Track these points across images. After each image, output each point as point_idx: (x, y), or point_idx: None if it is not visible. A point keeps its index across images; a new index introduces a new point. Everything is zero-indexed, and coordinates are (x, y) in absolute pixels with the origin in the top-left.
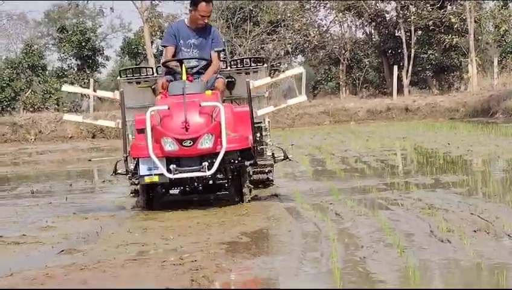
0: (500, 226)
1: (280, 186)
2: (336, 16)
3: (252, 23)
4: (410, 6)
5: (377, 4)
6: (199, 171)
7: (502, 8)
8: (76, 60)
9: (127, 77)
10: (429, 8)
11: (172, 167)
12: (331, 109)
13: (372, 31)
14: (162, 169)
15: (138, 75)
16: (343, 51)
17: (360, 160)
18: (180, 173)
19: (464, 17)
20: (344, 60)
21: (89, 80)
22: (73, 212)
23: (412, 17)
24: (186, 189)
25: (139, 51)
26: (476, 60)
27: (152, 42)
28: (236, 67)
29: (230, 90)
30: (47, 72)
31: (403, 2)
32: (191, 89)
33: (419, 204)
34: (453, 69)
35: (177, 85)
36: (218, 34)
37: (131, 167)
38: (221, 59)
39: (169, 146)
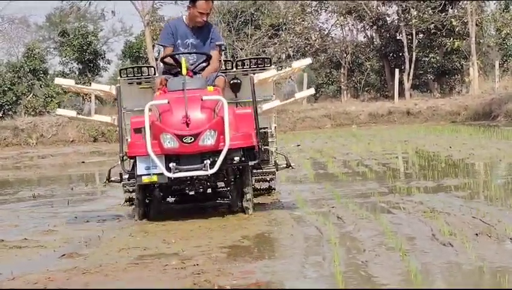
0: (502, 230)
1: (281, 190)
2: (337, 20)
3: (253, 27)
4: (412, 9)
5: (378, 7)
6: (200, 169)
7: (503, 11)
8: (77, 64)
9: (127, 76)
10: (430, 11)
11: (172, 165)
12: (332, 112)
13: (374, 35)
14: (161, 167)
15: (139, 75)
16: (345, 55)
17: (361, 163)
18: (180, 171)
19: (465, 21)
20: (345, 64)
21: (90, 83)
22: (75, 216)
23: (414, 21)
24: (183, 195)
25: (141, 55)
26: (477, 63)
27: (153, 46)
28: (243, 68)
29: (236, 93)
30: (48, 76)
31: (404, 5)
32: (191, 84)
33: (421, 207)
34: (454, 72)
35: (176, 80)
36: (218, 33)
37: (128, 168)
38: (222, 58)
39: (169, 143)
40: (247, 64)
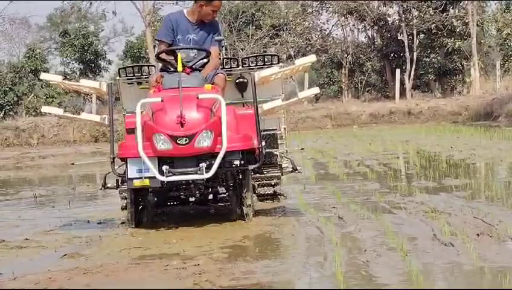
0: (504, 230)
1: (282, 190)
2: (338, 20)
3: (254, 27)
4: (413, 9)
5: (379, 8)
6: (196, 173)
7: (504, 11)
8: (78, 64)
9: (126, 76)
10: (431, 11)
11: (165, 168)
12: (333, 112)
13: (375, 35)
14: (153, 170)
15: (139, 74)
16: (346, 55)
17: (362, 164)
18: (174, 175)
19: (467, 21)
20: (346, 64)
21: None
22: (76, 216)
23: (415, 21)
24: (178, 199)
25: (142, 55)
26: (478, 63)
27: (154, 46)
28: (248, 66)
29: (242, 92)
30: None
31: (405, 6)
32: (188, 82)
33: (422, 208)
34: (455, 72)
35: (171, 78)
36: (220, 28)
37: (119, 170)
38: (222, 55)
39: (162, 144)
40: (253, 62)
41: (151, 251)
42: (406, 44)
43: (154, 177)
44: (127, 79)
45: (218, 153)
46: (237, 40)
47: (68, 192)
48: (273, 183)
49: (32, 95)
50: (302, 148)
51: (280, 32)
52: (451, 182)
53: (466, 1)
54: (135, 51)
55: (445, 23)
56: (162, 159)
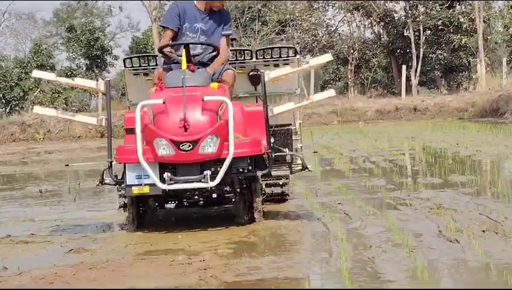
0: (509, 227)
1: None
2: (345, 16)
3: (260, 23)
4: (419, 6)
5: (386, 4)
6: (199, 181)
7: (511, 7)
8: (85, 60)
9: (132, 67)
10: (438, 7)
11: (166, 175)
12: (339, 108)
13: (381, 31)
14: (154, 178)
15: (146, 65)
16: (352, 51)
17: (368, 160)
18: (176, 183)
19: (473, 17)
20: (352, 60)
21: (97, 79)
22: (82, 212)
23: (421, 17)
24: (183, 202)
25: (148, 51)
26: (484, 60)
27: (160, 34)
28: (263, 58)
29: (255, 86)
30: (56, 72)
31: (411, 2)
32: (192, 81)
33: (427, 204)
34: (461, 69)
35: (175, 75)
36: (230, 20)
37: (117, 175)
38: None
39: (164, 149)
40: (269, 54)
41: (157, 246)
42: (412, 40)
43: (154, 185)
44: (133, 70)
45: (224, 159)
46: (243, 36)
47: (74, 187)
48: (281, 183)
49: (39, 90)
50: (314, 152)
51: (286, 28)
52: (457, 179)
53: None
54: (141, 46)
55: (452, 20)
56: (164, 165)
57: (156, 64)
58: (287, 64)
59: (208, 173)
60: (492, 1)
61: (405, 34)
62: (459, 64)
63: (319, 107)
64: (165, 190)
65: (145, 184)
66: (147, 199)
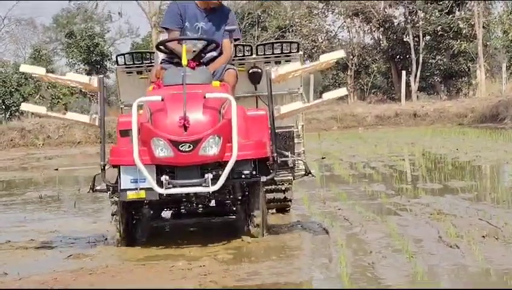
0: (509, 232)
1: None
2: (344, 22)
3: (260, 29)
4: (419, 11)
5: (385, 9)
6: (200, 185)
7: (510, 13)
8: (84, 65)
9: (125, 64)
10: (437, 13)
11: (164, 178)
12: (339, 114)
13: (381, 37)
14: (151, 181)
15: (139, 62)
16: (351, 56)
17: (368, 165)
18: (175, 187)
19: (472, 23)
20: (352, 66)
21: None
22: (81, 217)
23: (420, 23)
24: (180, 211)
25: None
26: (484, 65)
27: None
28: (264, 54)
29: (256, 84)
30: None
31: (411, 8)
32: (192, 78)
33: (427, 210)
34: (461, 74)
35: (174, 72)
36: (234, 18)
37: (112, 180)
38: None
39: (162, 151)
40: (270, 50)
41: (157, 251)
42: (412, 46)
43: (151, 189)
44: (126, 68)
45: (226, 162)
46: (243, 42)
47: (74, 193)
48: (283, 189)
49: (38, 96)
50: (322, 157)
51: (286, 33)
52: (456, 184)
53: (472, 2)
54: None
55: (451, 25)
56: (161, 168)
57: (151, 62)
58: (289, 60)
59: (209, 176)
60: (491, 6)
61: (405, 40)
62: (459, 70)
63: (318, 113)
64: (162, 194)
65: (141, 188)
66: (140, 205)
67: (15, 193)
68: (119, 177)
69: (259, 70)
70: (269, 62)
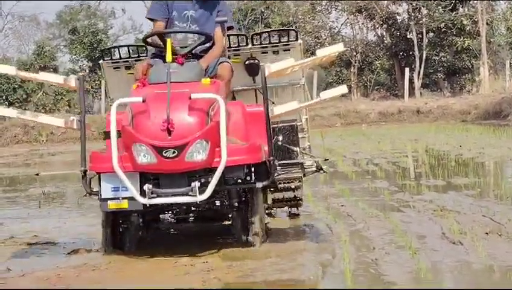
0: None
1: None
2: (348, 18)
3: (263, 25)
4: (422, 8)
5: (389, 6)
6: (186, 195)
7: None
8: (87, 62)
9: (111, 60)
10: (441, 10)
11: (147, 187)
12: (342, 111)
13: (384, 33)
14: (132, 191)
15: (127, 57)
16: (355, 53)
17: (371, 162)
18: (159, 196)
19: (476, 20)
20: (355, 62)
21: (100, 81)
22: (85, 213)
23: (424, 19)
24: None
25: None
26: (488, 62)
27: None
28: (261, 44)
29: (254, 76)
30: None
31: (414, 4)
32: (180, 75)
33: (431, 206)
34: (464, 71)
35: (160, 69)
36: (227, 7)
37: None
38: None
39: (144, 157)
40: (267, 39)
41: (161, 247)
42: (415, 42)
43: (134, 199)
44: (112, 62)
45: (216, 168)
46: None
47: (77, 189)
48: (293, 187)
49: (42, 92)
50: (325, 159)
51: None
52: (460, 181)
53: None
54: (144, 48)
55: (455, 22)
56: (146, 176)
57: (139, 56)
58: (288, 50)
59: (196, 184)
60: (495, 3)
61: (408, 37)
62: (462, 66)
63: (321, 110)
64: (146, 205)
65: (123, 198)
66: (128, 214)
67: (18, 189)
68: (100, 186)
69: (257, 62)
70: (266, 52)
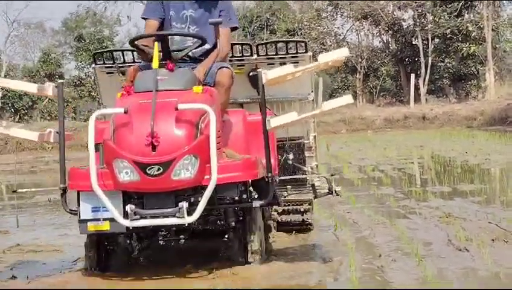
0: None
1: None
2: (353, 25)
3: (268, 32)
4: (428, 14)
5: (394, 12)
6: (173, 216)
7: None
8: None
9: (104, 64)
10: (446, 16)
11: (129, 208)
12: (347, 117)
13: (389, 40)
14: (113, 211)
15: (121, 62)
16: (360, 60)
17: (377, 169)
18: (143, 218)
19: (482, 26)
20: (361, 69)
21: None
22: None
23: (429, 26)
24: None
25: None
26: (493, 68)
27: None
28: (266, 54)
29: (257, 88)
30: (64, 81)
31: (420, 10)
32: (168, 83)
33: (437, 213)
34: (470, 77)
35: (147, 76)
36: (231, 5)
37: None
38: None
39: (126, 174)
40: (273, 50)
41: (165, 253)
42: (421, 49)
43: (115, 220)
44: (106, 67)
45: (206, 186)
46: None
47: None
48: (302, 210)
49: (47, 99)
50: (332, 175)
51: (294, 36)
52: (466, 187)
53: (481, 4)
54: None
55: (460, 28)
56: (129, 195)
57: (133, 61)
58: (297, 62)
59: (184, 205)
60: (501, 9)
61: (413, 43)
62: (468, 72)
63: (327, 116)
64: (129, 227)
65: (104, 219)
66: (115, 235)
67: (24, 196)
68: (79, 205)
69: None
70: (273, 64)
